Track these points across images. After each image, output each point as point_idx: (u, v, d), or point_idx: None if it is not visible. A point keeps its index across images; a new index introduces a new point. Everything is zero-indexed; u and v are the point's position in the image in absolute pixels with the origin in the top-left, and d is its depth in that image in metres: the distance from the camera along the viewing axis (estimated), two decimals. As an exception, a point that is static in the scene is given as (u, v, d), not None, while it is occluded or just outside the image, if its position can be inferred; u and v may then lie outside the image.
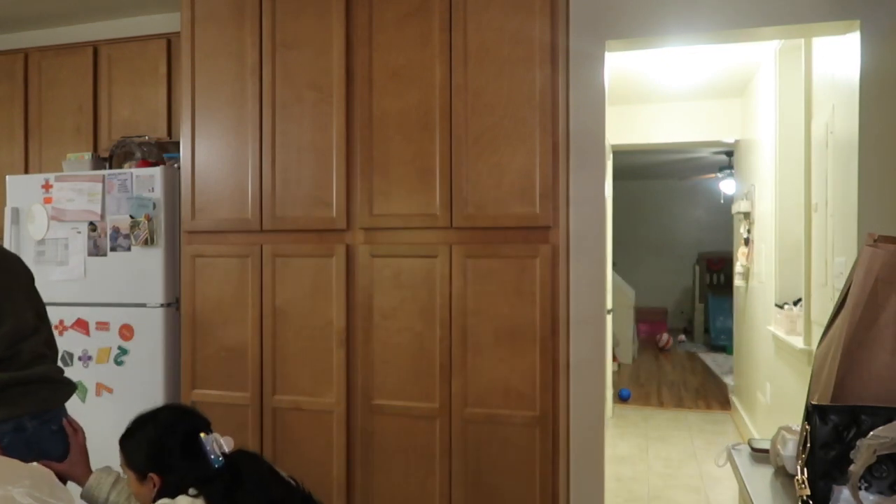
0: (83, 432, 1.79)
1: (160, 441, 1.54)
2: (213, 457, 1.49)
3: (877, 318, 1.24)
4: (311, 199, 2.64)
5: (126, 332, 2.91)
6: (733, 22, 2.61)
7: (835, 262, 2.85)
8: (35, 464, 1.06)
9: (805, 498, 1.14)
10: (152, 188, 2.90)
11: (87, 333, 2.97)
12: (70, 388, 1.94)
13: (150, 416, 1.62)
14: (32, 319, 1.89)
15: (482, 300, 2.45)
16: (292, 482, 1.56)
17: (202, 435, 1.52)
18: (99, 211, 2.96)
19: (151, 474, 1.51)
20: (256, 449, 2.68)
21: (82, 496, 1.69)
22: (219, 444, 1.52)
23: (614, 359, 7.26)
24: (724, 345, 8.98)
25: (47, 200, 3.05)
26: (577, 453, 2.71)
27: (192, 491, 1.42)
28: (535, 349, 2.40)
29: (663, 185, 10.73)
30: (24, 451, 1.69)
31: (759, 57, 4.33)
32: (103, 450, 2.92)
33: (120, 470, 1.64)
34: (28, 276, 1.95)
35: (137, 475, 1.53)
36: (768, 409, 4.24)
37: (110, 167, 3.23)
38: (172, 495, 1.44)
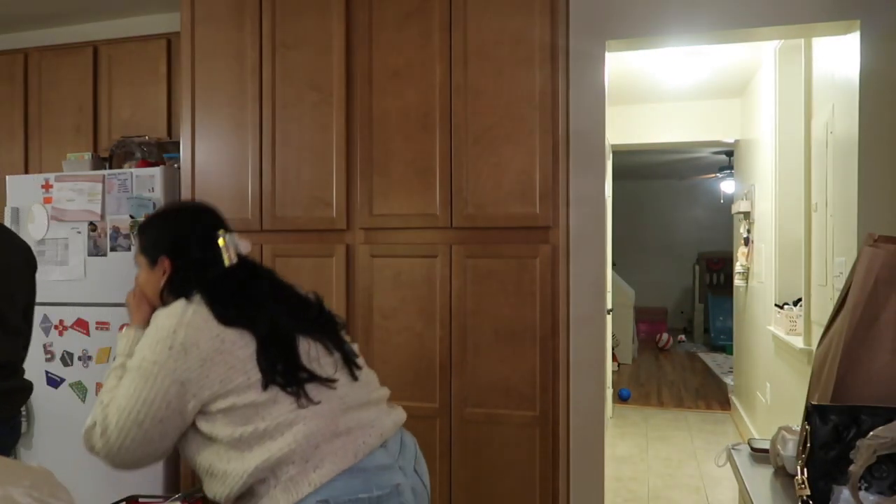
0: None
1: (179, 226, 1.48)
2: (227, 254, 1.43)
3: (877, 318, 1.24)
4: (311, 199, 2.63)
5: (126, 332, 2.91)
6: (733, 22, 2.61)
7: (835, 262, 2.85)
8: (35, 464, 1.06)
9: (805, 498, 1.14)
10: (152, 188, 2.90)
11: (87, 333, 2.97)
12: (30, 390, 1.99)
13: (173, 205, 1.57)
14: (21, 324, 1.93)
15: (482, 300, 2.45)
16: (311, 297, 1.49)
17: (221, 231, 1.46)
18: (99, 211, 2.96)
19: (163, 258, 1.43)
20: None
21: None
22: (235, 243, 1.46)
23: (614, 359, 7.26)
24: (724, 345, 8.98)
25: (47, 200, 3.04)
26: (577, 453, 2.71)
27: (195, 296, 1.34)
28: (535, 349, 2.40)
29: (663, 185, 10.74)
30: None
31: (759, 57, 4.34)
32: (103, 450, 2.92)
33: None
34: (19, 271, 1.96)
35: (149, 261, 1.46)
36: (768, 409, 4.24)
37: (110, 167, 3.23)
38: (180, 286, 1.38)
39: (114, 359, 1.44)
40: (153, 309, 1.45)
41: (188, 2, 2.79)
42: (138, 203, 2.90)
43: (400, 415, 1.46)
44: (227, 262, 1.43)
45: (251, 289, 1.40)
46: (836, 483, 1.11)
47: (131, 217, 2.90)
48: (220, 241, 1.44)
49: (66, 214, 3.00)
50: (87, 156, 3.18)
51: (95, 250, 2.96)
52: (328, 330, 1.44)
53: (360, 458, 1.28)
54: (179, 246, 1.44)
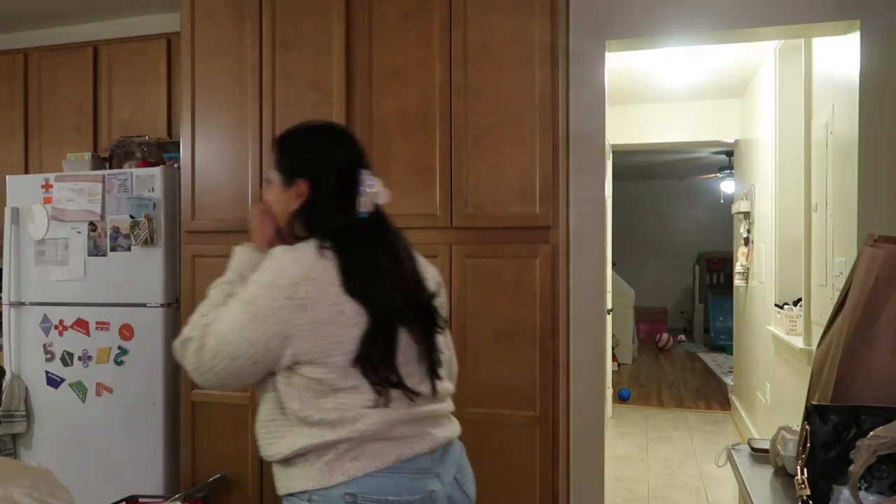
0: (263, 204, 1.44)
1: (326, 151, 1.34)
2: (363, 198, 1.30)
3: (877, 318, 1.24)
4: (311, 199, 2.63)
5: (126, 332, 2.91)
6: (733, 22, 2.61)
7: (835, 262, 2.85)
8: (35, 464, 1.06)
9: (805, 498, 1.14)
10: (152, 188, 2.90)
11: (87, 333, 2.97)
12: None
13: (322, 124, 1.41)
14: None
15: (482, 300, 2.45)
16: (431, 282, 1.41)
17: (364, 172, 1.32)
18: (99, 211, 2.96)
19: (301, 180, 1.32)
20: (256, 449, 2.68)
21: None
22: (377, 190, 1.32)
23: (614, 359, 7.27)
24: (724, 345, 8.98)
25: (47, 200, 3.05)
26: (577, 453, 2.71)
27: (327, 245, 1.24)
28: (535, 349, 2.40)
29: (663, 185, 10.74)
30: None
31: (759, 57, 4.33)
32: (103, 450, 2.93)
33: None
34: None
35: (284, 179, 1.34)
36: (768, 409, 4.24)
37: (110, 167, 3.23)
38: (313, 220, 1.30)
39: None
40: (276, 230, 1.38)
41: (188, 2, 2.79)
42: (138, 203, 2.90)
43: (455, 429, 1.40)
44: (362, 209, 1.31)
45: (380, 254, 1.30)
46: (836, 483, 1.11)
47: (131, 217, 2.90)
48: (364, 184, 1.31)
49: (66, 214, 3.00)
50: (87, 156, 3.18)
51: (95, 250, 2.96)
52: (428, 329, 1.35)
53: (400, 461, 1.25)
54: (321, 174, 1.32)
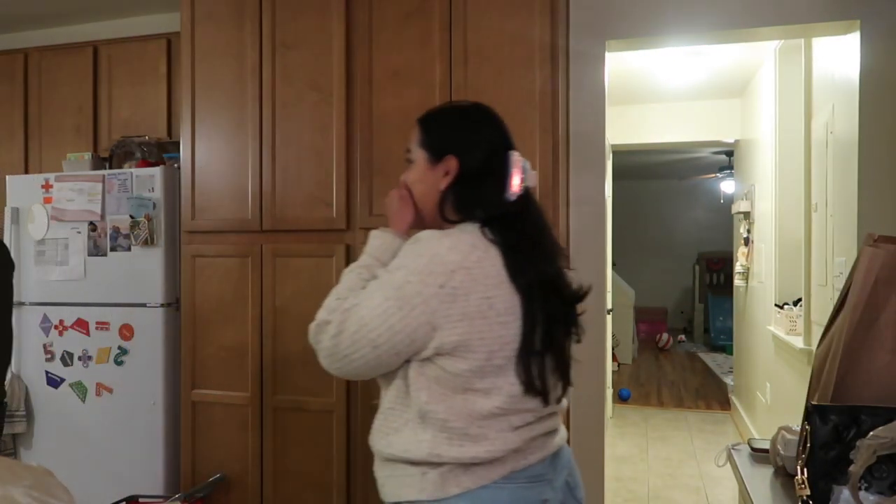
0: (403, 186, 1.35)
1: (478, 126, 1.27)
2: (514, 180, 1.21)
3: (877, 318, 1.24)
4: (311, 199, 2.63)
5: (126, 332, 2.91)
6: (733, 22, 2.61)
7: (835, 262, 2.85)
8: (35, 464, 1.06)
9: (805, 498, 1.14)
10: (152, 188, 2.90)
11: (87, 333, 2.97)
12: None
13: (468, 103, 1.35)
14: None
15: (482, 300, 2.45)
16: (576, 282, 1.30)
17: (514, 154, 1.23)
18: (99, 211, 2.96)
19: (450, 157, 1.23)
20: (256, 449, 2.68)
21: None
22: (528, 170, 1.23)
23: (614, 359, 7.26)
24: (724, 345, 8.98)
25: (47, 200, 3.05)
26: (577, 453, 2.69)
27: (486, 230, 1.17)
28: (535, 349, 2.40)
29: (663, 185, 10.73)
30: None
31: (759, 57, 4.33)
32: (103, 450, 2.92)
33: None
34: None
35: (430, 156, 1.27)
36: (768, 409, 4.24)
37: (110, 167, 3.23)
38: (465, 201, 1.21)
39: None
40: (416, 215, 1.30)
41: (188, 2, 2.79)
42: (138, 203, 2.90)
43: (563, 433, 1.34)
44: (512, 191, 1.22)
45: (536, 245, 1.21)
46: (836, 483, 1.11)
47: (131, 217, 2.90)
48: (515, 165, 1.22)
49: (66, 214, 3.00)
50: (87, 156, 3.18)
51: (95, 250, 2.96)
52: (566, 331, 1.28)
53: (515, 471, 1.18)
54: (472, 151, 1.24)
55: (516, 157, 1.24)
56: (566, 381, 1.27)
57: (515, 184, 1.22)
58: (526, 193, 1.25)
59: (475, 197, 1.22)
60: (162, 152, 3.19)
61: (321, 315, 1.20)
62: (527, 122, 2.40)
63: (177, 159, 2.95)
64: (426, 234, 1.17)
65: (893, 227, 2.43)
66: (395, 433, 1.18)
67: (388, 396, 1.21)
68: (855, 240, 2.53)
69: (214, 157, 2.76)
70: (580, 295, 1.28)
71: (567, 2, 2.70)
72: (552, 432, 1.26)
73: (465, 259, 1.13)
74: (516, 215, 1.22)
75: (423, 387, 1.15)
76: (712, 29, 2.63)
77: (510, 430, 1.17)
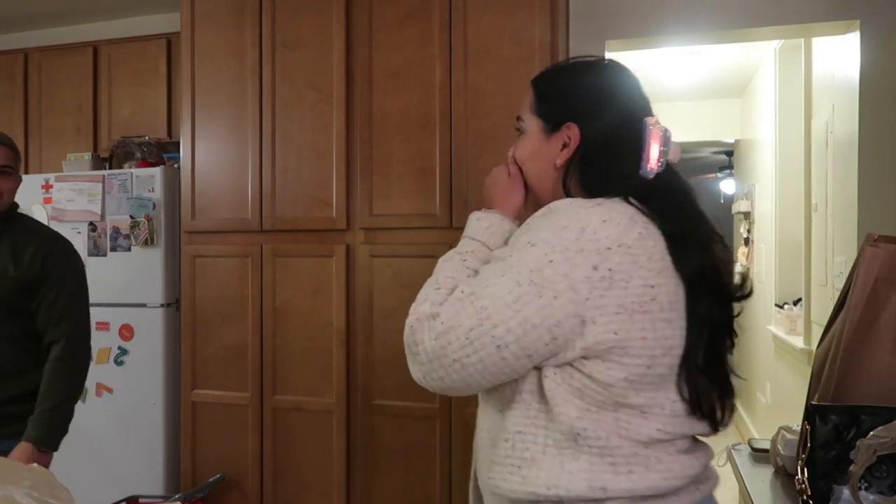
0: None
1: (604, 86, 1.03)
2: (653, 153, 0.96)
3: (877, 318, 1.24)
4: (311, 199, 2.63)
5: (126, 332, 2.91)
6: (733, 22, 2.61)
7: (835, 262, 2.85)
8: (35, 464, 1.06)
9: (805, 498, 1.14)
10: (152, 188, 2.90)
11: (87, 333, 2.97)
12: None
13: (595, 58, 1.09)
14: None
15: (482, 300, 2.45)
16: (740, 273, 1.04)
17: (651, 120, 0.99)
18: (99, 211, 2.96)
19: (570, 125, 1.00)
20: (256, 449, 2.68)
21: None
22: (669, 142, 0.98)
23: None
24: (724, 345, 8.96)
25: (47, 200, 3.05)
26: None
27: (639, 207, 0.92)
28: (535, 349, 2.40)
29: (663, 185, 10.72)
30: None
31: (759, 57, 4.33)
32: (103, 450, 2.92)
33: None
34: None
35: (545, 124, 1.04)
36: (768, 409, 4.24)
37: (110, 167, 3.23)
38: (593, 174, 0.98)
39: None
40: (525, 194, 1.08)
41: (188, 2, 2.79)
42: (138, 203, 2.90)
43: (716, 479, 1.04)
44: (650, 167, 0.97)
45: (693, 228, 0.95)
46: (836, 483, 1.11)
47: (131, 217, 2.90)
48: (653, 132, 0.97)
49: (66, 214, 3.00)
50: (87, 156, 3.19)
51: (95, 250, 2.96)
52: (728, 338, 1.01)
53: None
54: (598, 116, 1.00)
55: (655, 125, 0.99)
56: (731, 400, 1.00)
57: (653, 157, 0.96)
58: (669, 170, 0.99)
59: (602, 174, 0.97)
60: (162, 152, 3.19)
61: (422, 307, 0.94)
62: (527, 122, 2.40)
63: (177, 159, 2.95)
64: (565, 203, 0.92)
65: (893, 227, 2.43)
66: (530, 465, 0.89)
67: (512, 417, 0.92)
68: (855, 240, 2.53)
69: (214, 157, 2.76)
70: (746, 292, 1.01)
71: (567, 2, 2.70)
72: (708, 471, 0.99)
73: (624, 234, 0.87)
74: (660, 194, 0.95)
75: (567, 400, 0.88)
76: (712, 29, 2.63)
77: (681, 452, 0.92)
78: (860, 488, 1.08)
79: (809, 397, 1.33)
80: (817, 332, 3.08)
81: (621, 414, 0.88)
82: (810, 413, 1.18)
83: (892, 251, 1.24)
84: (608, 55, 2.75)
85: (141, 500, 2.74)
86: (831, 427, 1.15)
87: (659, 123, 0.99)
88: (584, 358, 0.87)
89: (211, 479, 2.68)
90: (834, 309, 1.35)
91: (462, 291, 0.90)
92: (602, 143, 0.99)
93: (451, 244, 2.59)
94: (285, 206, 2.66)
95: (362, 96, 2.58)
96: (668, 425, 0.90)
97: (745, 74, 4.72)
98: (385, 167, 2.54)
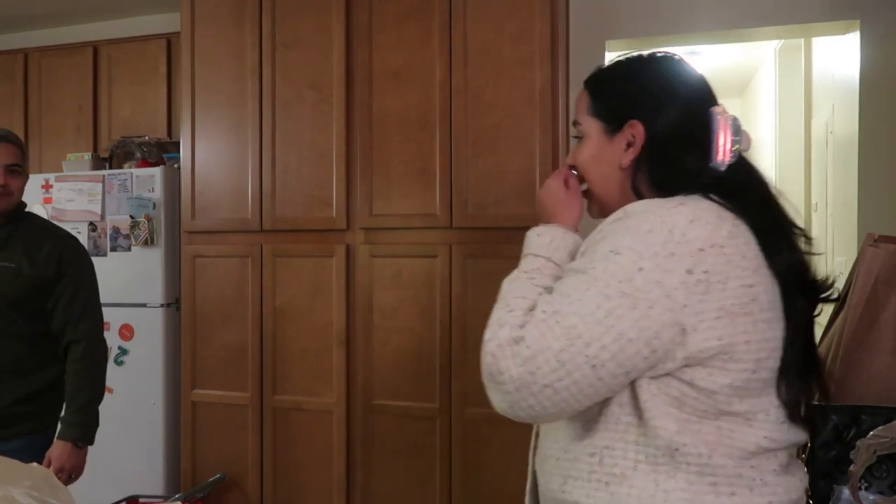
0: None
1: (665, 79, 0.98)
2: (723, 144, 0.91)
3: (877, 318, 1.24)
4: (311, 199, 2.63)
5: (126, 332, 2.91)
6: (733, 22, 2.61)
7: (835, 262, 2.85)
8: (35, 464, 1.06)
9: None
10: (152, 188, 2.90)
11: (87, 333, 2.97)
12: None
13: (650, 52, 1.04)
14: None
15: (482, 300, 2.45)
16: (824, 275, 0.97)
17: (718, 110, 0.94)
18: (99, 211, 2.96)
19: (634, 122, 0.94)
20: (256, 449, 2.68)
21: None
22: (740, 132, 0.93)
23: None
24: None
25: (47, 200, 3.04)
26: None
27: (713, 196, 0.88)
28: (535, 349, 2.40)
29: (663, 185, 10.72)
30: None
31: (759, 57, 4.34)
32: (103, 450, 2.92)
33: None
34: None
35: (605, 125, 0.98)
36: (768, 409, 4.24)
37: (110, 167, 3.23)
38: (668, 175, 0.92)
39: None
40: (580, 204, 1.02)
41: (188, 2, 2.79)
42: (138, 203, 2.90)
43: None
44: (721, 158, 0.92)
45: (777, 221, 0.92)
46: (836, 483, 1.11)
47: (131, 217, 2.90)
48: (721, 122, 0.92)
49: (66, 214, 3.00)
50: (87, 156, 3.19)
51: (95, 250, 2.96)
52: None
53: None
54: (661, 109, 0.95)
55: (722, 114, 0.93)
56: (825, 403, 0.95)
57: (725, 148, 0.91)
58: (742, 160, 0.94)
59: (673, 169, 0.92)
60: (162, 152, 3.19)
61: (501, 333, 0.85)
62: (527, 122, 2.40)
63: (177, 159, 2.95)
64: (642, 205, 0.88)
65: (893, 227, 2.43)
66: (619, 482, 0.83)
67: (599, 431, 0.86)
68: (855, 240, 2.53)
69: (214, 157, 2.76)
70: (832, 290, 0.97)
71: (567, 2, 2.70)
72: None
73: (714, 233, 0.83)
74: (738, 187, 0.91)
75: (665, 412, 0.82)
76: (712, 29, 2.63)
77: (783, 471, 0.86)
78: (860, 488, 1.08)
79: (809, 397, 1.33)
80: (818, 332, 3.09)
81: (723, 422, 0.83)
82: (810, 413, 1.18)
83: (892, 251, 1.24)
84: (608, 55, 2.76)
85: (141, 500, 2.74)
86: (831, 427, 1.15)
87: (727, 112, 0.94)
88: (687, 366, 0.82)
89: (211, 479, 2.68)
90: (834, 309, 1.35)
91: (544, 311, 0.83)
92: (669, 138, 0.93)
93: (451, 244, 2.60)
94: (285, 206, 2.66)
95: (362, 96, 2.57)
96: (774, 433, 0.85)
97: (745, 74, 4.72)
98: (385, 167, 2.54)
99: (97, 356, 1.94)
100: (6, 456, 1.49)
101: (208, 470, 2.73)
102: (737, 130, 0.92)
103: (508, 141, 2.42)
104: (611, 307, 0.80)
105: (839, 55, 2.80)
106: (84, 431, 1.88)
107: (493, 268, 2.44)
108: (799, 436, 0.89)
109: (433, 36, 2.50)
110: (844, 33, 2.64)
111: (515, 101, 2.42)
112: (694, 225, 0.82)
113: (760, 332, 0.83)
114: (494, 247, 2.44)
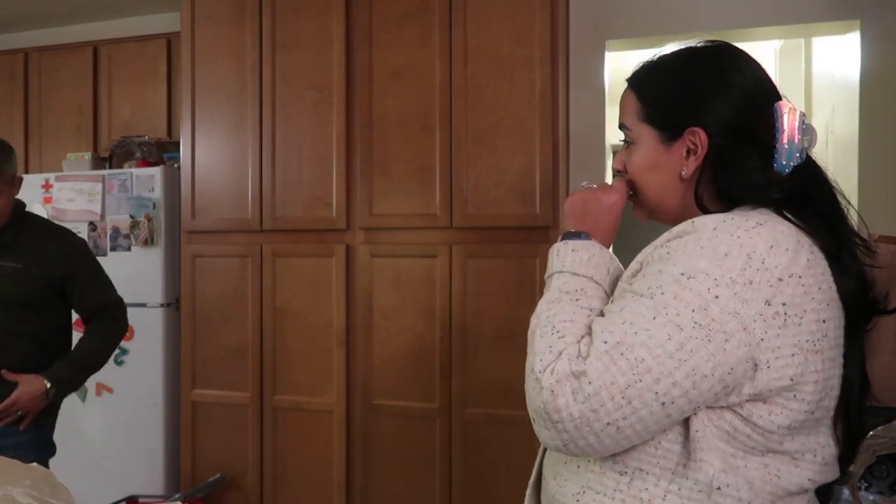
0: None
1: (724, 76, 0.87)
2: (788, 144, 0.82)
3: (877, 318, 1.24)
4: (311, 199, 2.63)
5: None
6: (733, 22, 2.61)
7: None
8: (35, 464, 1.06)
9: (805, 498, 1.14)
10: (152, 188, 2.90)
11: (87, 333, 2.97)
12: None
13: (701, 47, 0.91)
14: None
15: (482, 300, 2.45)
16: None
17: (782, 104, 0.85)
18: (99, 211, 2.96)
19: (693, 130, 0.86)
20: (256, 449, 2.68)
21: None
22: (808, 130, 0.84)
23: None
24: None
25: (47, 200, 3.04)
26: (577, 453, 2.71)
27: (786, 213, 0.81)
28: (535, 349, 2.40)
29: (663, 185, 10.72)
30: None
31: (759, 57, 4.31)
32: (103, 450, 2.93)
33: None
34: None
35: (660, 132, 0.89)
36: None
37: (110, 167, 3.23)
38: (723, 182, 0.85)
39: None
40: (618, 221, 0.97)
41: (188, 2, 2.79)
42: (138, 203, 2.90)
43: None
44: (786, 161, 0.83)
45: (846, 237, 0.83)
46: (836, 483, 1.11)
47: (131, 217, 2.90)
48: (788, 119, 0.83)
49: (66, 214, 3.00)
50: (87, 156, 3.19)
51: (95, 250, 2.96)
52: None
53: None
54: (722, 112, 0.85)
55: (789, 110, 0.84)
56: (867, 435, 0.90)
57: (792, 149, 0.82)
58: (810, 161, 0.85)
59: (742, 178, 0.84)
60: (162, 152, 3.19)
61: (559, 365, 0.76)
62: (527, 122, 2.40)
63: (177, 159, 2.95)
64: (715, 222, 0.79)
65: (893, 227, 2.43)
66: None
67: (635, 451, 0.80)
68: (855, 240, 2.53)
69: (214, 157, 2.76)
70: (884, 300, 0.87)
71: (567, 2, 2.70)
72: None
73: (793, 262, 0.76)
74: (809, 202, 0.83)
75: (714, 447, 0.77)
76: (712, 29, 2.63)
77: None
78: (860, 488, 1.08)
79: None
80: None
81: (770, 460, 0.78)
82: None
83: (893, 251, 1.24)
84: (608, 55, 2.76)
85: (141, 500, 2.74)
86: (831, 427, 1.15)
87: (793, 107, 0.85)
88: (750, 401, 0.77)
89: (211, 479, 2.68)
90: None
91: (605, 342, 0.75)
92: (734, 143, 0.85)
93: (451, 244, 2.60)
94: (285, 206, 2.66)
95: (362, 96, 2.58)
96: (817, 474, 0.80)
97: (745, 74, 4.71)
98: (385, 167, 2.54)
99: (119, 327, 2.04)
100: (11, 452, 1.50)
101: (208, 470, 2.73)
102: (806, 129, 0.84)
103: (508, 141, 2.42)
104: (682, 339, 0.73)
105: (839, 55, 2.80)
106: (61, 385, 1.91)
107: (493, 268, 2.45)
108: (835, 474, 0.84)
109: (433, 36, 2.50)
110: (844, 33, 2.64)
111: (515, 101, 2.42)
112: (774, 251, 0.76)
113: (826, 371, 0.78)
114: (494, 247, 2.44)
